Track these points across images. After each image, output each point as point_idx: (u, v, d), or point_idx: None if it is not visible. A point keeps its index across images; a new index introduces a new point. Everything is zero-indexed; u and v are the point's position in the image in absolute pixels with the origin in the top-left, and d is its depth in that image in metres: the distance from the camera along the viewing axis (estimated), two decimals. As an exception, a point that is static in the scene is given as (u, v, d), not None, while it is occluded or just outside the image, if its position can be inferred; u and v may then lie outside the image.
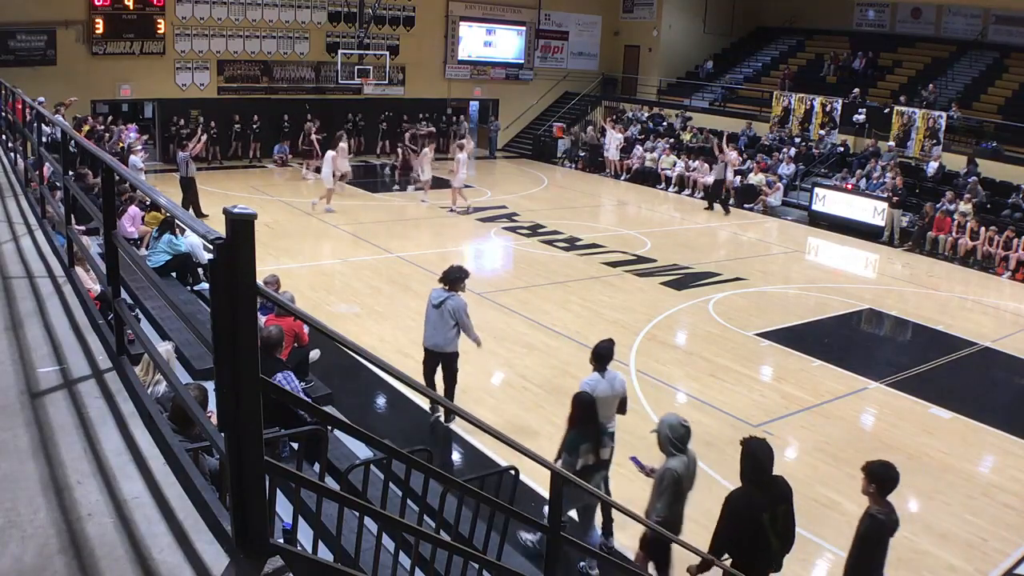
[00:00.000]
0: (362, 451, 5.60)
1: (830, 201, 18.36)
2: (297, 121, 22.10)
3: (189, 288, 8.89)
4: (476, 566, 3.64)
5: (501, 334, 10.08)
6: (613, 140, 23.08)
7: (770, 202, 19.70)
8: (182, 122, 20.70)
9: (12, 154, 8.51)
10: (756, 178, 20.13)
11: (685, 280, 13.11)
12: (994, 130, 19.05)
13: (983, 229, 15.46)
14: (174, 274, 8.99)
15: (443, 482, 3.25)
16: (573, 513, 5.69)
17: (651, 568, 5.10)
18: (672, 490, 4.79)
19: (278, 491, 2.99)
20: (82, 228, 6.12)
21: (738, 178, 19.95)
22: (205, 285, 8.60)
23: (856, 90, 21.36)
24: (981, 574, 5.91)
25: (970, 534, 6.37)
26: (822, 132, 21.25)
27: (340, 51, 22.69)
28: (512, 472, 4.28)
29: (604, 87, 28.41)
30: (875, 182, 18.37)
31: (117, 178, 3.57)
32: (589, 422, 5.29)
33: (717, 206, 19.16)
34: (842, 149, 20.64)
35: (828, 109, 21.28)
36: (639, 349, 9.90)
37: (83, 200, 4.32)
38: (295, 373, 5.60)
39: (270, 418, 2.54)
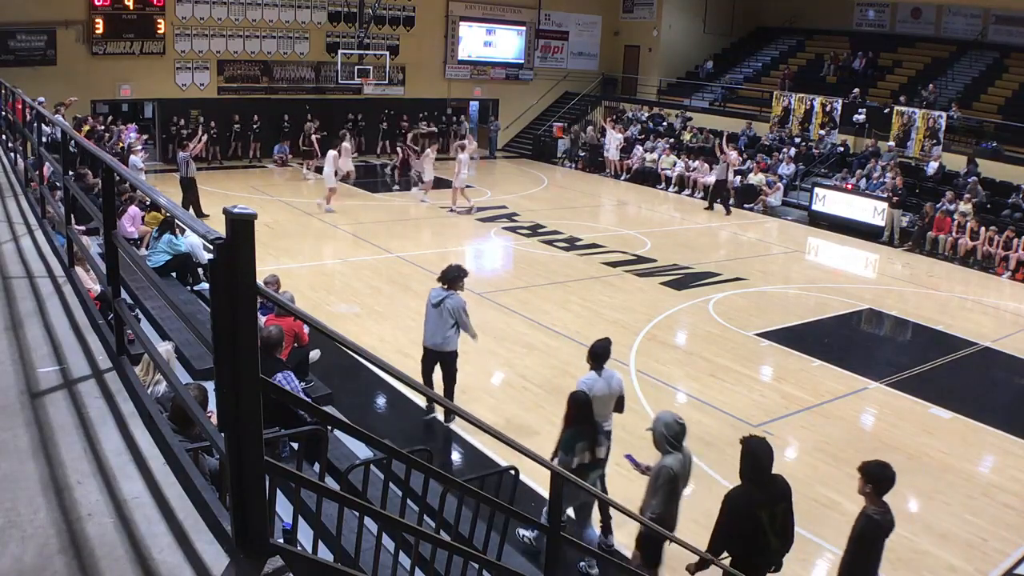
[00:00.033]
0: (362, 451, 5.60)
1: (830, 201, 18.37)
2: (297, 121, 22.11)
3: (189, 288, 8.89)
4: (476, 566, 3.64)
5: (501, 334, 10.09)
6: (613, 140, 23.08)
7: (770, 202, 19.70)
8: (182, 122, 20.72)
9: (12, 154, 8.51)
10: (756, 178, 20.13)
11: (685, 280, 13.12)
12: (994, 130, 19.05)
13: (983, 229, 15.46)
14: (174, 274, 8.99)
15: (443, 482, 3.25)
16: (570, 511, 5.70)
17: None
18: (668, 488, 4.81)
19: (278, 491, 2.99)
20: (82, 228, 6.12)
21: (738, 178, 19.95)
22: (205, 285, 8.60)
23: (856, 90, 21.36)
24: (981, 574, 5.91)
25: (970, 534, 6.37)
26: (822, 132, 21.26)
27: (340, 51, 22.69)
28: (512, 472, 4.28)
29: (604, 87, 28.41)
30: (875, 182, 18.37)
31: (117, 178, 3.57)
32: (585, 421, 5.30)
33: (718, 206, 19.16)
34: (842, 149, 20.64)
35: (828, 109, 21.28)
36: (639, 349, 9.90)
37: (83, 200, 4.32)
38: (295, 373, 5.60)
39: (270, 418, 2.54)
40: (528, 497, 6.11)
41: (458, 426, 7.58)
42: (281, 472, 2.31)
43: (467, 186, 17.44)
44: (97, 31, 19.30)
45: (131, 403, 2.93)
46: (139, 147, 15.68)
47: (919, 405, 8.77)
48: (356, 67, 23.12)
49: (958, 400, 8.88)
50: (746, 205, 19.65)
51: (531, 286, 12.33)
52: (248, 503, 2.06)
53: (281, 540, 2.32)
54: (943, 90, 20.92)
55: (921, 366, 9.97)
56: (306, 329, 6.97)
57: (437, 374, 7.63)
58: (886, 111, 20.13)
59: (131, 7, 19.62)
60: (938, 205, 16.57)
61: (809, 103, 21.68)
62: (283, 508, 3.51)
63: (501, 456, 6.74)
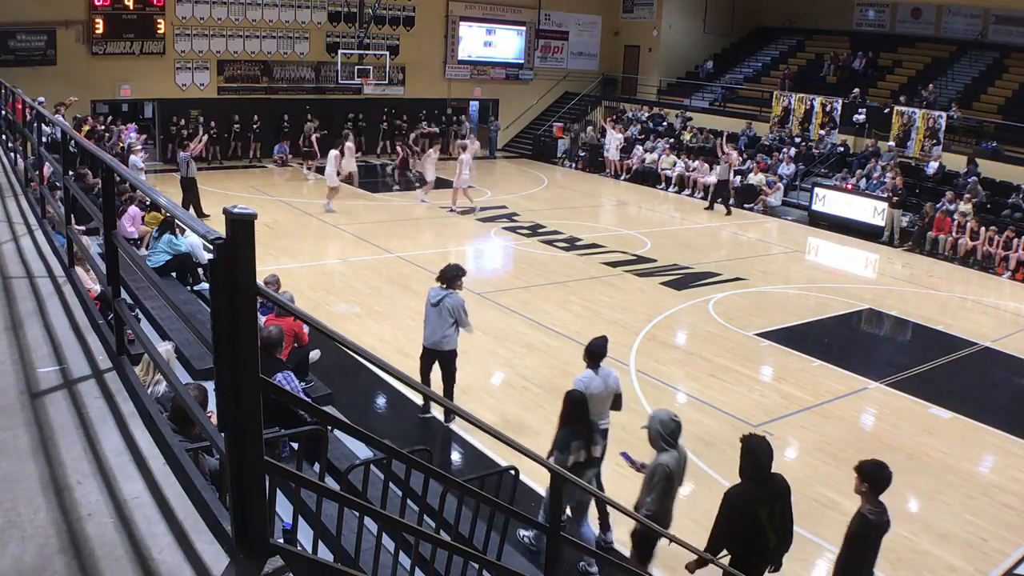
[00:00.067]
0: (362, 451, 5.60)
1: (830, 201, 18.37)
2: (297, 121, 22.11)
3: (189, 288, 8.89)
4: (476, 566, 3.64)
5: (501, 334, 10.09)
6: (613, 140, 23.08)
7: (770, 202, 19.70)
8: (183, 122, 20.73)
9: (12, 154, 8.51)
10: (756, 178, 20.14)
11: (685, 280, 13.12)
12: (994, 130, 19.05)
13: (983, 229, 15.46)
14: (174, 274, 8.99)
15: (443, 482, 3.25)
16: (567, 510, 5.70)
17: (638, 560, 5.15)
18: (663, 485, 4.83)
19: (278, 491, 2.99)
20: (82, 228, 6.13)
21: (738, 178, 19.96)
22: (205, 285, 8.60)
23: (856, 90, 21.36)
24: (981, 574, 5.91)
25: (970, 534, 6.37)
26: (822, 132, 21.26)
27: (340, 51, 22.69)
28: (512, 472, 4.28)
29: (604, 87, 28.41)
30: (875, 182, 18.37)
31: (117, 178, 3.57)
32: (580, 420, 5.31)
33: (718, 206, 19.17)
34: (842, 149, 20.64)
35: (828, 109, 21.28)
36: (639, 349, 9.90)
37: (83, 200, 4.32)
38: (295, 373, 5.60)
39: (270, 418, 2.54)
40: (528, 497, 6.11)
41: (458, 426, 7.58)
42: (281, 472, 2.31)
43: (469, 186, 17.42)
44: (97, 31, 19.30)
45: (131, 403, 2.93)
46: (139, 147, 15.67)
47: (919, 405, 8.77)
48: (356, 67, 23.12)
49: (958, 400, 8.88)
50: (746, 205, 19.65)
51: (531, 286, 12.33)
52: (248, 503, 2.06)
53: (281, 540, 2.32)
54: (943, 90, 20.92)
55: (921, 366, 9.97)
56: (306, 329, 6.97)
57: (435, 373, 7.64)
58: (886, 111, 20.13)
59: (131, 7, 19.62)
60: (938, 205, 16.57)
61: (809, 103, 21.68)
62: (283, 508, 3.51)
63: (501, 456, 6.74)
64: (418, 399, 7.98)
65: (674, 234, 16.92)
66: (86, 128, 16.23)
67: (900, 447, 7.72)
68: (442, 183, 18.49)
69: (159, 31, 20.21)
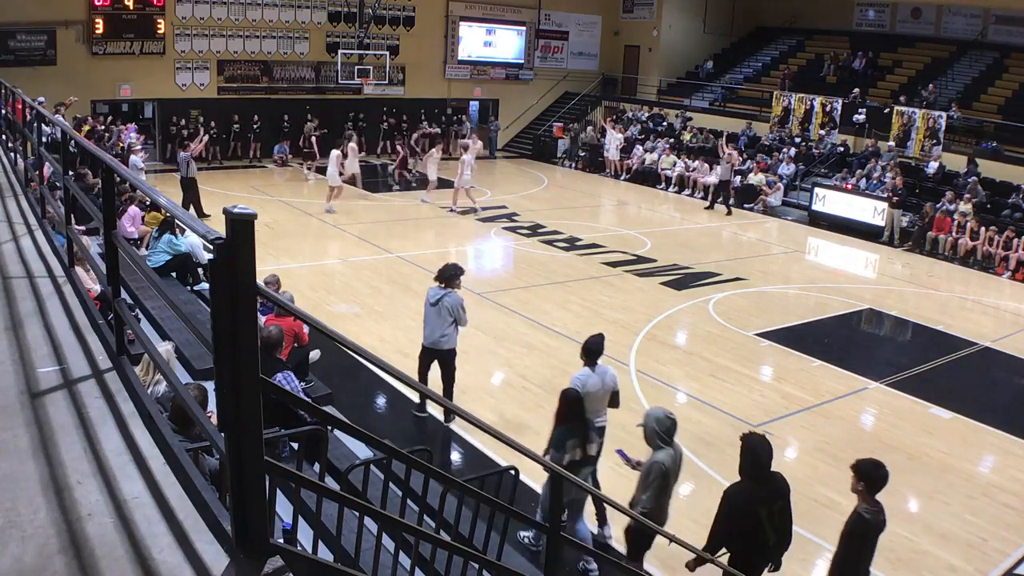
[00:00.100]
0: (362, 451, 5.60)
1: (830, 201, 18.37)
2: (297, 121, 22.11)
3: (189, 288, 8.89)
4: (476, 566, 3.64)
5: (501, 334, 10.09)
6: (613, 140, 23.07)
7: (770, 202, 19.70)
8: (183, 122, 20.73)
9: (12, 154, 8.51)
10: (756, 178, 20.14)
11: (685, 280, 13.12)
12: (994, 130, 19.05)
13: (983, 229, 15.46)
14: (174, 274, 8.99)
15: (443, 482, 3.26)
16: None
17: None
18: (659, 483, 4.85)
19: (278, 491, 2.99)
20: (82, 228, 6.13)
21: (738, 178, 19.96)
22: (205, 285, 8.60)
23: (856, 90, 21.36)
24: (981, 574, 5.91)
25: (970, 534, 6.37)
26: (822, 132, 21.26)
27: (340, 51, 22.69)
28: (512, 472, 4.29)
29: (604, 87, 28.41)
30: (875, 182, 18.37)
31: (117, 178, 3.57)
32: (576, 419, 5.32)
33: (719, 205, 19.18)
34: (842, 149, 20.64)
35: (828, 109, 21.28)
36: (639, 349, 9.90)
37: (83, 200, 4.32)
38: (295, 373, 5.60)
39: (270, 418, 2.54)
40: (528, 497, 6.11)
41: (458, 426, 7.58)
42: (281, 472, 2.31)
43: (471, 187, 17.40)
44: (97, 31, 19.30)
45: (131, 403, 2.93)
46: (139, 147, 15.67)
47: (919, 405, 8.77)
48: (356, 67, 23.12)
49: (958, 400, 8.88)
50: (746, 205, 19.66)
51: (531, 286, 12.33)
52: (248, 503, 2.06)
53: (281, 540, 2.32)
54: (943, 90, 20.92)
55: (921, 366, 9.97)
56: (306, 329, 6.97)
57: (432, 373, 7.64)
58: (886, 111, 20.13)
59: (131, 7, 19.62)
60: (938, 205, 16.57)
61: (809, 103, 21.68)
62: (283, 508, 3.51)
63: (501, 456, 6.75)
64: (427, 405, 7.96)
65: (674, 234, 16.92)
66: (86, 128, 16.23)
67: (900, 447, 7.72)
68: (444, 183, 18.47)
69: (159, 31, 20.20)
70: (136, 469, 2.51)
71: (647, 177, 22.24)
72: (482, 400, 8.18)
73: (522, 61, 26.99)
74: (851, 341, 11.18)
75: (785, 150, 21.04)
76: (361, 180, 18.40)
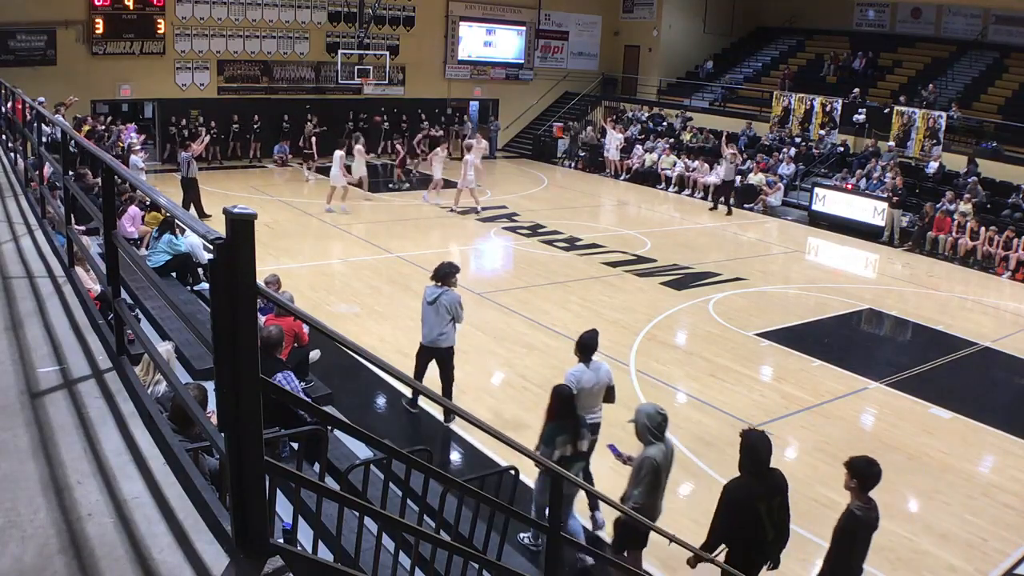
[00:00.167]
0: (362, 451, 5.60)
1: (830, 201, 18.37)
2: (297, 121, 22.11)
3: (189, 288, 8.89)
4: (476, 566, 3.64)
5: (501, 334, 10.09)
6: (613, 140, 23.08)
7: (770, 202, 19.71)
8: (184, 122, 20.72)
9: (12, 154, 8.51)
10: (756, 178, 20.14)
11: (685, 280, 13.12)
12: (994, 130, 19.05)
13: (983, 229, 15.46)
14: (174, 274, 9.00)
15: (443, 482, 3.25)
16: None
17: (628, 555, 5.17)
18: (650, 478, 4.86)
19: (278, 491, 2.99)
20: (82, 228, 6.13)
21: (738, 178, 19.96)
22: (205, 285, 8.60)
23: (856, 90, 21.36)
24: (981, 574, 5.91)
25: (970, 534, 6.37)
26: (822, 132, 21.26)
27: (340, 51, 22.69)
28: (512, 472, 4.29)
29: (604, 87, 28.41)
30: (875, 182, 18.37)
31: (117, 178, 3.57)
32: (567, 415, 5.33)
33: (721, 205, 19.18)
34: (842, 149, 20.64)
35: (828, 109, 21.28)
36: (639, 349, 9.90)
37: (83, 200, 4.32)
38: (295, 373, 5.60)
39: (270, 418, 2.54)
40: (528, 497, 6.10)
41: (458, 426, 7.58)
42: (281, 472, 2.31)
43: (477, 186, 17.36)
44: (97, 31, 19.29)
45: (131, 403, 2.93)
46: (139, 147, 15.67)
47: (919, 405, 8.77)
48: (356, 67, 23.11)
49: (958, 400, 8.87)
50: (746, 205, 19.66)
51: (531, 286, 12.33)
52: (248, 503, 2.06)
53: (281, 540, 2.32)
54: (943, 90, 20.92)
55: (921, 366, 9.97)
56: (306, 329, 6.97)
57: (431, 372, 7.63)
58: (886, 111, 20.13)
59: (131, 7, 19.62)
60: (938, 205, 16.57)
61: (809, 103, 21.68)
62: (283, 508, 3.51)
63: (501, 456, 6.75)
64: (419, 399, 7.97)
65: (674, 234, 16.92)
66: (86, 128, 16.22)
67: (900, 447, 7.72)
68: (448, 184, 18.44)
69: (159, 31, 20.20)
70: (136, 469, 2.51)
71: (647, 177, 22.24)
72: (482, 400, 8.18)
73: (522, 61, 26.99)
74: (851, 341, 11.18)
75: (785, 150, 21.04)
76: (367, 182, 18.37)
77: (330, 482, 3.88)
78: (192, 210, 13.73)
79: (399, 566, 3.78)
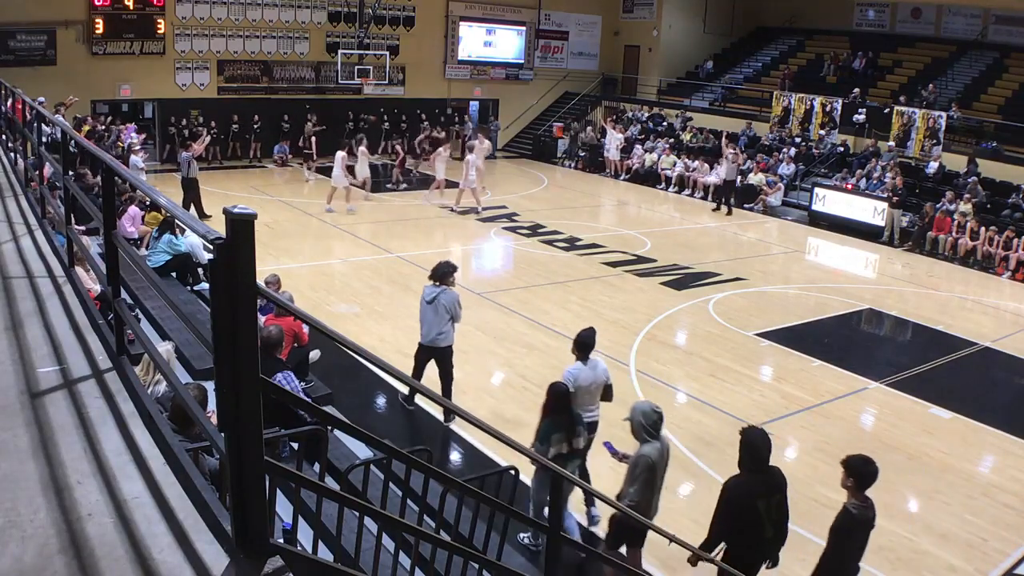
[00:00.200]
0: (362, 451, 5.60)
1: (830, 201, 18.37)
2: (297, 121, 22.10)
3: (189, 288, 8.89)
4: (476, 566, 3.64)
5: (501, 334, 10.09)
6: (613, 140, 23.08)
7: (770, 202, 19.70)
8: (184, 122, 20.72)
9: (12, 154, 8.51)
10: (756, 178, 20.14)
11: (685, 280, 13.12)
12: (994, 130, 19.05)
13: (983, 229, 15.46)
14: (174, 274, 9.00)
15: (443, 482, 3.25)
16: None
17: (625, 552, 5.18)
18: (646, 476, 4.87)
19: (278, 491, 2.99)
20: (82, 228, 6.13)
21: (738, 178, 19.96)
22: (205, 285, 8.60)
23: (856, 90, 21.36)
24: (981, 574, 5.91)
25: (970, 534, 6.37)
26: (822, 132, 21.26)
27: (340, 51, 22.69)
28: (512, 472, 4.29)
29: (604, 87, 28.41)
30: (875, 182, 18.37)
31: (117, 178, 3.57)
32: (562, 412, 5.35)
33: (722, 205, 19.17)
34: (842, 149, 20.64)
35: (828, 109, 21.28)
36: (639, 349, 9.90)
37: (83, 200, 4.32)
38: (295, 373, 5.60)
39: (270, 418, 2.54)
40: (528, 497, 6.10)
41: (458, 426, 7.58)
42: (281, 472, 2.31)
43: (476, 187, 17.36)
44: (97, 31, 19.29)
45: (131, 403, 2.93)
46: (139, 147, 15.67)
47: (919, 405, 8.77)
48: (356, 67, 23.11)
49: (958, 400, 8.87)
50: (746, 205, 19.66)
51: (531, 286, 12.33)
52: (248, 503, 2.06)
53: (281, 540, 2.32)
54: (943, 90, 20.92)
55: (921, 366, 9.97)
56: (306, 329, 6.97)
57: (430, 372, 7.64)
58: (886, 111, 20.13)
59: (131, 7, 19.61)
60: (938, 205, 16.57)
61: (809, 103, 21.68)
62: (283, 508, 3.51)
63: (501, 456, 6.75)
64: (419, 400, 7.97)
65: (674, 234, 16.92)
66: (86, 128, 16.22)
67: (900, 447, 7.72)
68: (450, 184, 18.42)
69: (159, 31, 20.20)
70: (136, 469, 2.50)
71: (647, 177, 22.24)
72: (482, 400, 8.18)
73: (522, 61, 26.99)
74: (851, 341, 11.18)
75: (785, 150, 21.04)
76: (370, 184, 18.35)
77: (330, 482, 3.88)
78: (192, 210, 13.72)
79: (399, 566, 3.78)
